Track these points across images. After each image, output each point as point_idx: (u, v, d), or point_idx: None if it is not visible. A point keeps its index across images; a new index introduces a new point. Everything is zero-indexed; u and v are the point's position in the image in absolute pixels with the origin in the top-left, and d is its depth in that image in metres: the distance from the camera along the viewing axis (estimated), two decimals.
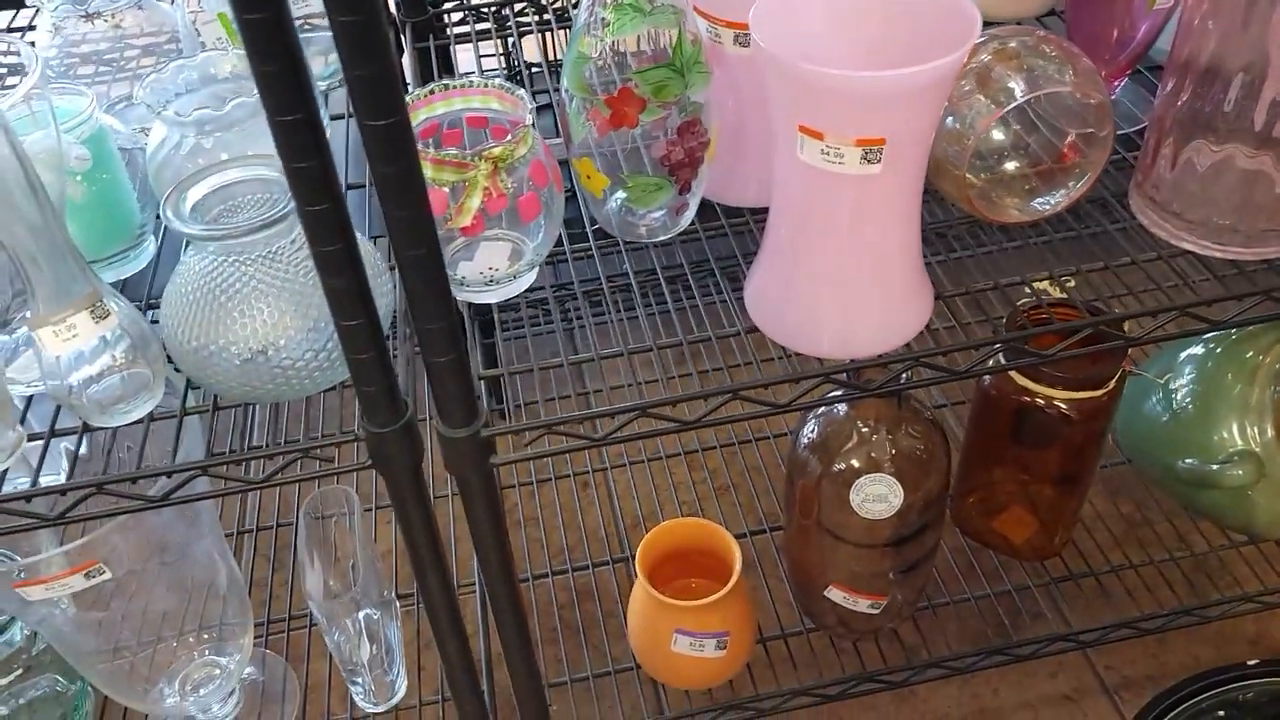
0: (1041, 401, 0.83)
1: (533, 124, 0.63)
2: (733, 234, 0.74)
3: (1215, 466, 0.91)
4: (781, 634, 0.93)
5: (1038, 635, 0.92)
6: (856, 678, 0.88)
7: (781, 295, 0.64)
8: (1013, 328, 0.79)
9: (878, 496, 0.74)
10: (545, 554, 1.10)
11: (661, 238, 0.73)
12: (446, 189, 0.60)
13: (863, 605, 0.83)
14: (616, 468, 1.21)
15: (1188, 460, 0.94)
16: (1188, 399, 0.97)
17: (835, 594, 0.83)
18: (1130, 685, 1.02)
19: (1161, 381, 0.94)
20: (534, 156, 0.62)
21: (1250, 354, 0.94)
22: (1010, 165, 0.72)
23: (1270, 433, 0.89)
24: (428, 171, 0.60)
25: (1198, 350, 0.99)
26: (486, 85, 0.65)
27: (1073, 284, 0.85)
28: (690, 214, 0.72)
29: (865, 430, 0.75)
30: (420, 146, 0.60)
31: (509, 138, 0.60)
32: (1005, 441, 0.90)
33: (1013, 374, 0.83)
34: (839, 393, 0.65)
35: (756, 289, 0.66)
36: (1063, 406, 0.83)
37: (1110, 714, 1.00)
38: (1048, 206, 0.70)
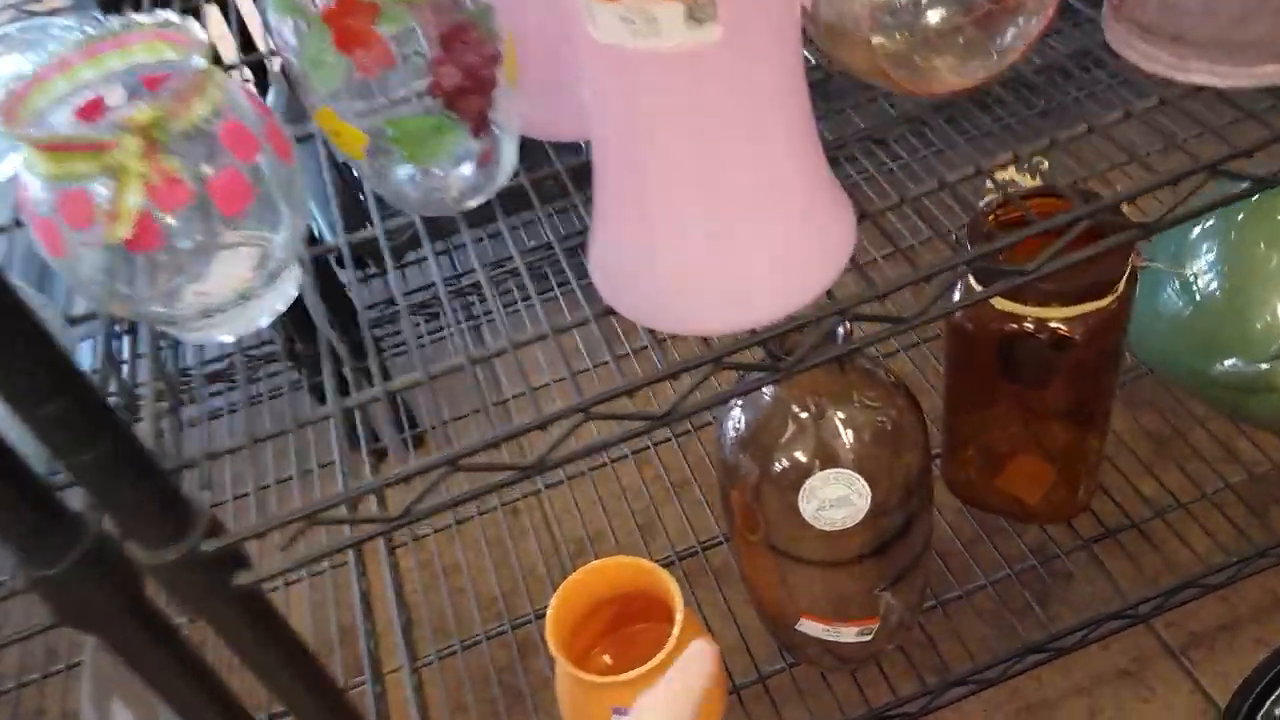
0: (1032, 325, 0.63)
1: (212, 64, 0.42)
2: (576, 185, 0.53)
3: (1265, 365, 0.72)
4: (759, 677, 0.73)
5: (1081, 619, 0.72)
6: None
7: (631, 257, 0.44)
8: (976, 238, 0.59)
9: (836, 500, 0.54)
10: (475, 608, 0.91)
11: (474, 201, 0.52)
12: (94, 186, 0.40)
13: (848, 635, 0.63)
14: (552, 486, 1.01)
15: (1227, 362, 0.75)
16: (1213, 284, 0.77)
17: (809, 627, 0.63)
18: (1200, 642, 0.83)
19: (1182, 271, 0.74)
20: (227, 116, 0.42)
21: None
22: (934, 15, 0.51)
23: None
24: (47, 168, 0.39)
25: (1212, 222, 0.79)
26: (147, 28, 0.44)
27: (1046, 165, 0.65)
28: (508, 161, 0.52)
29: (802, 415, 0.55)
30: (21, 131, 0.39)
31: (162, 91, 0.39)
32: (995, 382, 0.70)
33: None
34: (759, 376, 0.44)
35: (600, 255, 0.46)
36: (1061, 327, 0.63)
37: (1180, 683, 0.81)
38: (993, 61, 0.50)
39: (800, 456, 0.55)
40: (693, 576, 0.84)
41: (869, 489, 0.54)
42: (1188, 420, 0.86)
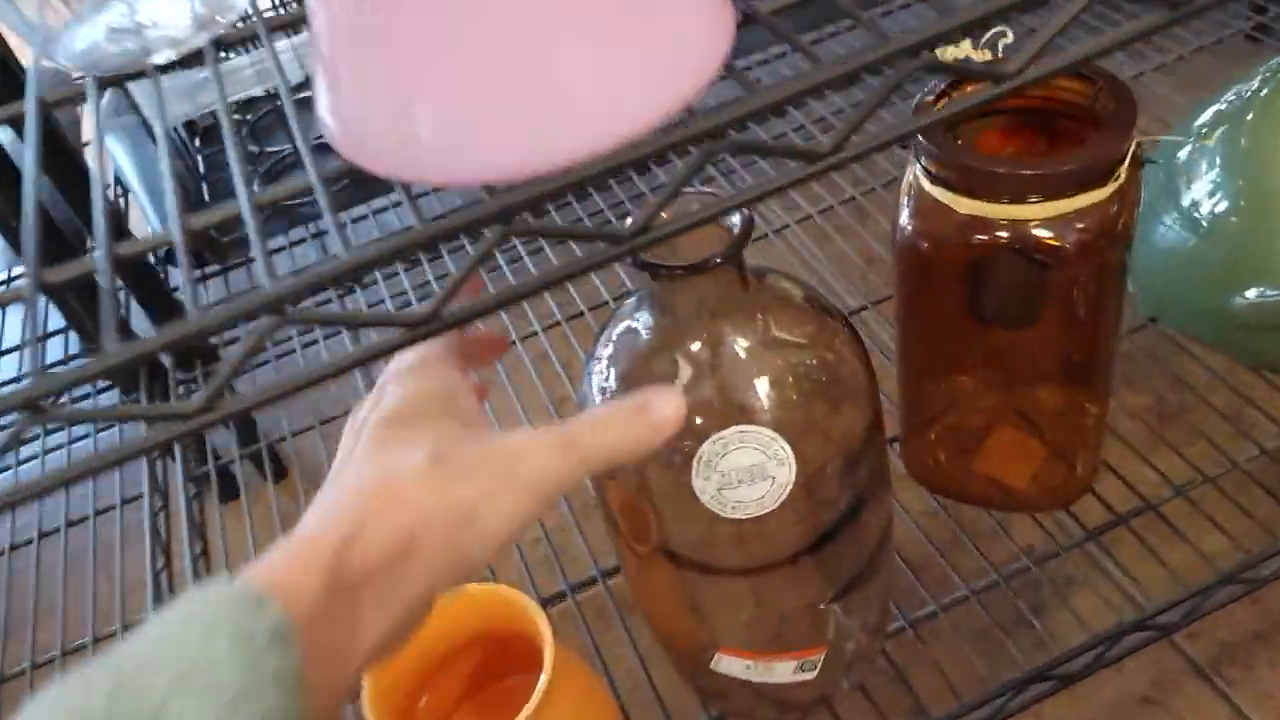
0: (1006, 235, 0.47)
1: None
2: None
3: None
4: None
5: (1091, 635, 0.55)
6: None
7: (381, 81, 0.27)
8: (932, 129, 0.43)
9: (747, 471, 0.37)
10: None
11: (189, 41, 0.35)
12: None
13: (783, 672, 0.45)
14: None
15: (1249, 292, 0.59)
16: (1222, 204, 0.62)
17: (729, 664, 0.45)
18: (1232, 656, 0.66)
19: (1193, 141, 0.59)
20: None
21: None
22: None
23: None
24: None
25: (1209, 129, 0.65)
26: None
27: (1009, 37, 0.52)
28: None
29: (693, 350, 0.38)
30: None
31: None
32: (964, 328, 0.54)
33: (951, 198, 0.46)
34: (594, 251, 0.27)
35: (333, 93, 0.28)
36: (1046, 234, 0.46)
37: (1216, 708, 0.64)
38: None
39: (692, 415, 0.38)
40: (594, 615, 0.66)
41: (791, 453, 0.37)
42: (1204, 376, 0.71)
